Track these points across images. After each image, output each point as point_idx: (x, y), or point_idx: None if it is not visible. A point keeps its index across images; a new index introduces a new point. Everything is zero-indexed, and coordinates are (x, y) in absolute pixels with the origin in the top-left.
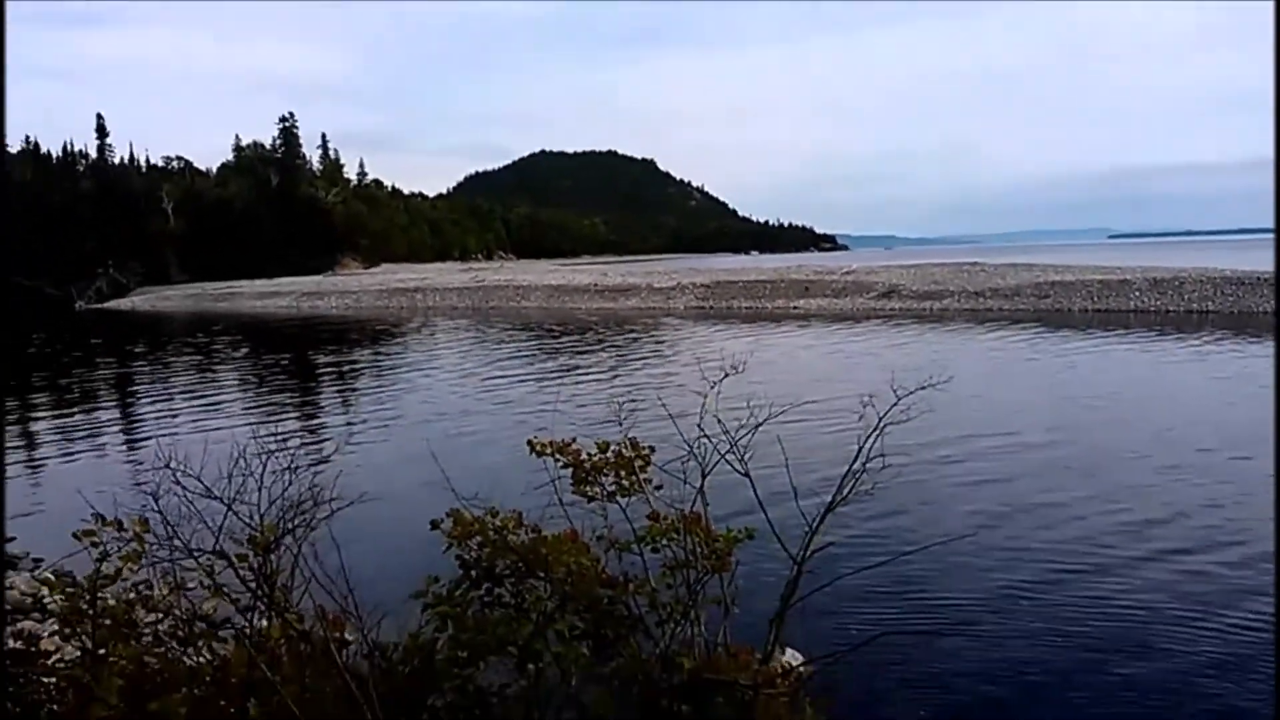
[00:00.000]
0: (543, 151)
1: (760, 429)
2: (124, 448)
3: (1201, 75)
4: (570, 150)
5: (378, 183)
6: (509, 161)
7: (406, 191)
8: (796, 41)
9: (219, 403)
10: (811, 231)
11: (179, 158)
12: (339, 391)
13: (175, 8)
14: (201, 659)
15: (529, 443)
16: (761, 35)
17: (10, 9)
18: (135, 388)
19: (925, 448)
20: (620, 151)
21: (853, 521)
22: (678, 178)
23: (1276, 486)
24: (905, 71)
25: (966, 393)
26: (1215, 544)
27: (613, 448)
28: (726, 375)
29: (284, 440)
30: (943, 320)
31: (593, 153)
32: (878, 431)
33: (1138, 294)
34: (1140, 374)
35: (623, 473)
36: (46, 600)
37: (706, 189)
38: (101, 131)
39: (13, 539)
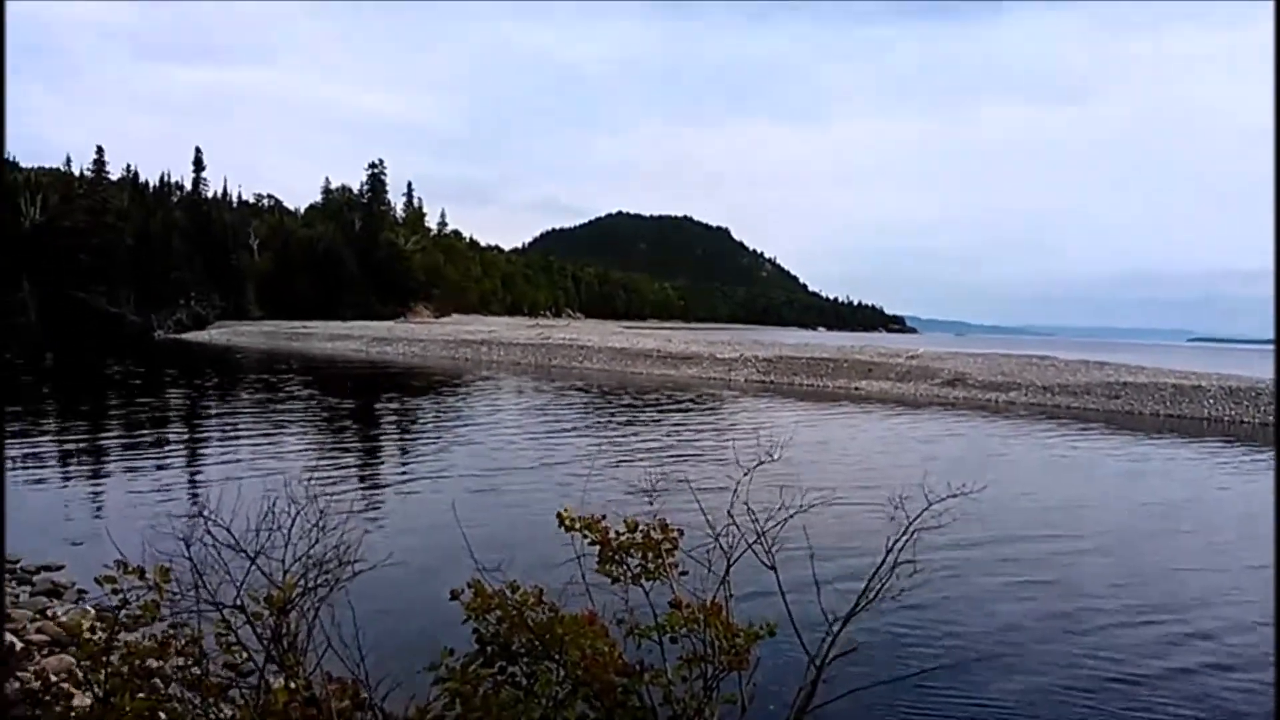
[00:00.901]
0: (620, 212)
1: (791, 519)
2: (168, 486)
3: None
4: (646, 213)
5: (457, 233)
6: (586, 220)
7: (484, 243)
8: (879, 117)
9: (267, 444)
10: (880, 311)
11: (269, 195)
12: (385, 442)
13: (280, 49)
14: (209, 718)
15: (559, 515)
16: (846, 109)
17: (128, 39)
18: (195, 421)
19: (965, 550)
20: (695, 217)
21: (878, 626)
22: (750, 247)
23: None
24: (986, 155)
25: (1017, 492)
26: (1256, 662)
27: (641, 527)
28: (761, 463)
29: (318, 492)
30: (1007, 414)
31: (668, 217)
32: (907, 535)
33: (1212, 402)
34: (1203, 484)
35: (649, 554)
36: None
37: (778, 260)
38: (198, 165)
39: (62, 566)
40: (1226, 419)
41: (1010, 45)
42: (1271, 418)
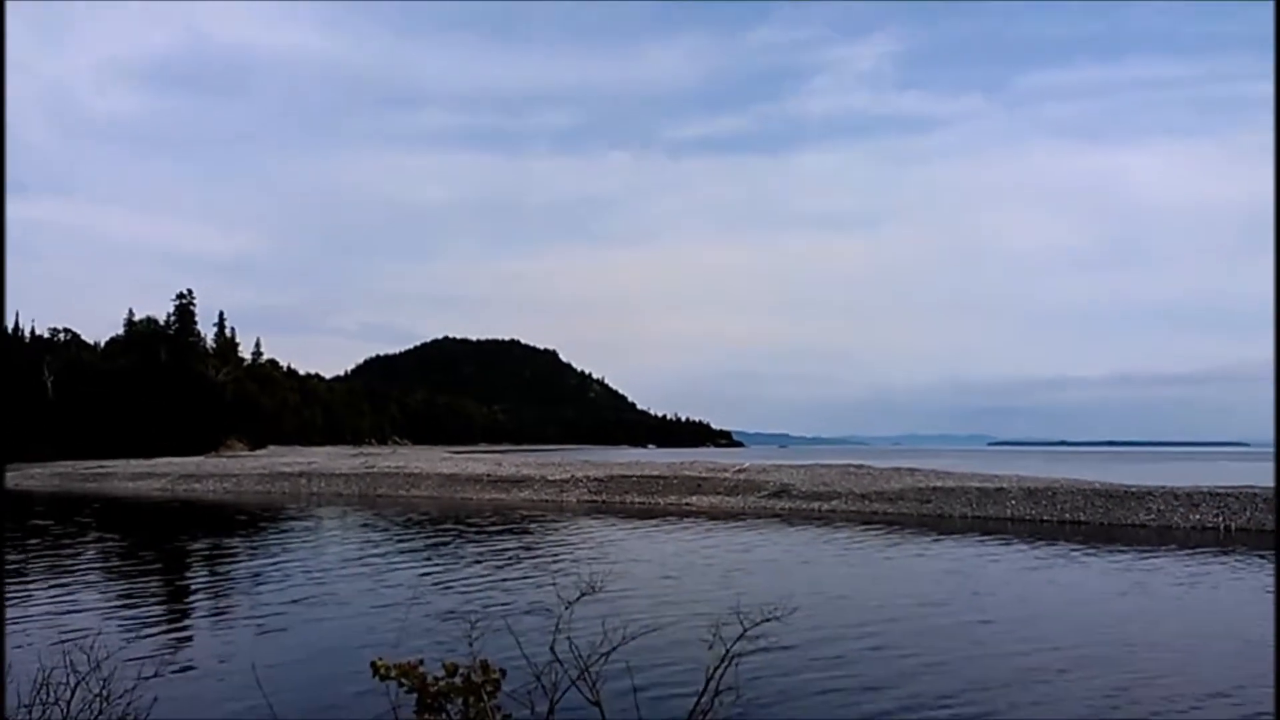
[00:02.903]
0: (446, 337)
1: (615, 651)
2: None
3: (1071, 294)
4: (474, 337)
5: (273, 362)
6: (411, 346)
7: (303, 372)
8: (697, 244)
9: (51, 602)
10: (708, 427)
11: (66, 329)
12: (185, 593)
13: (79, 179)
14: None
15: (372, 664)
16: (665, 236)
17: None
18: None
19: (786, 668)
20: (523, 341)
21: None
22: (579, 369)
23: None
24: (803, 275)
25: (834, 603)
26: None
27: (461, 670)
28: (583, 594)
29: (103, 655)
30: (830, 521)
31: (496, 340)
32: (725, 663)
33: (1014, 503)
34: (1008, 581)
35: (470, 699)
36: None
37: (606, 380)
38: None
39: None
40: (1028, 518)
41: (810, 176)
42: (1068, 515)
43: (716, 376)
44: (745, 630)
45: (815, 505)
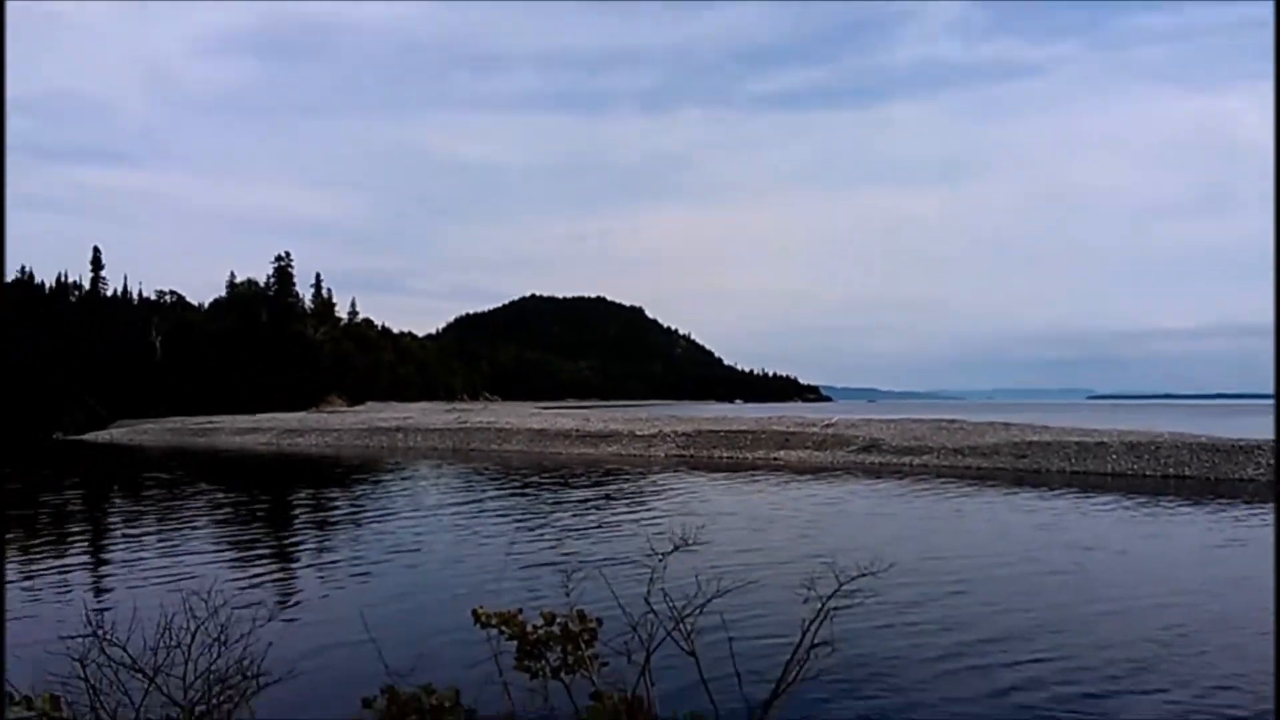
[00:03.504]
0: (533, 295)
1: (710, 604)
2: (63, 600)
3: (1175, 242)
4: (560, 295)
5: (368, 322)
6: (499, 304)
7: (396, 331)
8: (786, 198)
9: (169, 549)
10: (795, 382)
11: (171, 291)
12: (292, 539)
13: (180, 147)
14: None
15: (474, 612)
16: (751, 191)
17: (21, 136)
18: (92, 527)
19: (886, 619)
20: (609, 298)
21: (801, 708)
22: (665, 325)
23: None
24: (890, 226)
25: (931, 555)
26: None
27: (559, 619)
28: (676, 548)
29: (221, 601)
30: (921, 476)
31: (582, 298)
32: (821, 617)
33: (1114, 457)
34: (1109, 536)
35: (568, 647)
36: None
37: (693, 337)
38: (97, 264)
39: None
40: (1129, 473)
41: (896, 128)
42: (1171, 470)
43: (803, 331)
44: (841, 585)
45: (906, 460)
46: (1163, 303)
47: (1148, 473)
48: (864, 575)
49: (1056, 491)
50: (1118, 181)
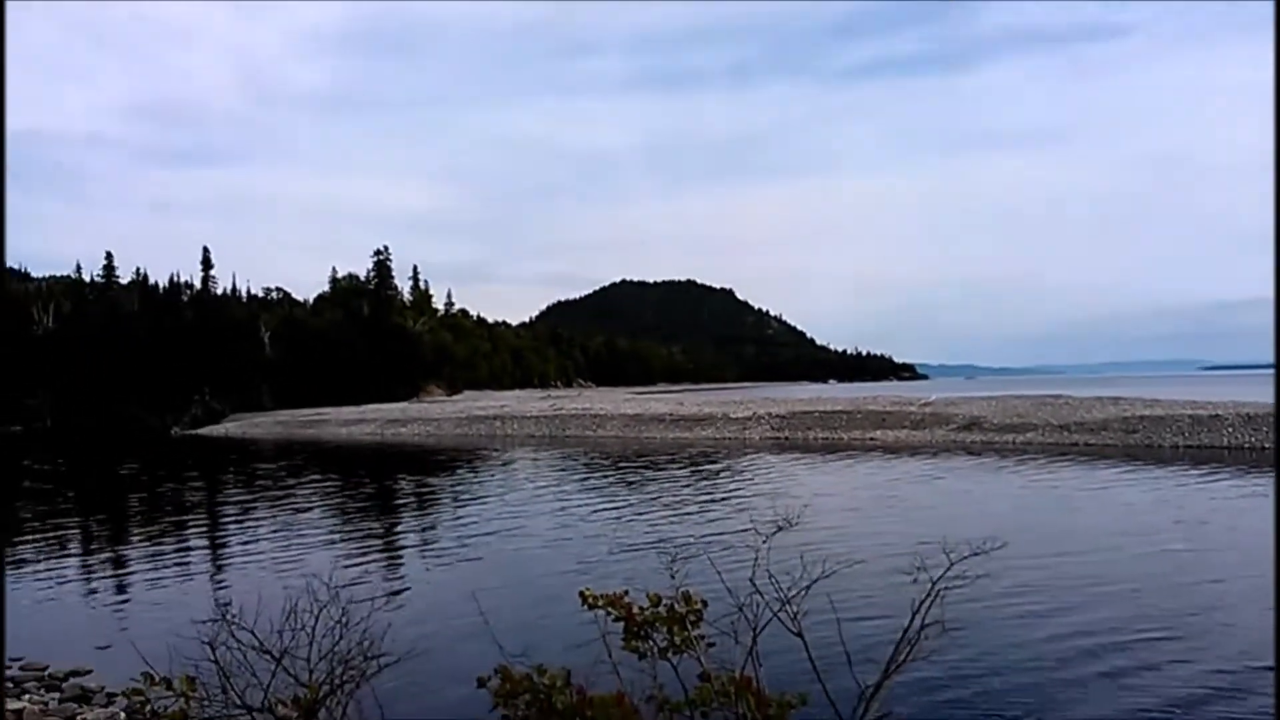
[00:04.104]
0: (624, 281)
1: (815, 585)
2: (190, 584)
3: None
4: (651, 280)
5: (464, 312)
6: (590, 290)
7: (491, 320)
8: (875, 172)
9: (286, 537)
10: (890, 360)
11: (278, 288)
12: (402, 526)
13: (280, 148)
14: None
15: (581, 594)
16: (841, 166)
17: (126, 147)
18: (212, 517)
19: (994, 604)
20: (699, 281)
21: (912, 689)
22: (756, 306)
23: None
24: (985, 199)
25: (1042, 535)
26: None
27: (664, 601)
28: (780, 528)
29: (340, 586)
30: (1025, 454)
31: (672, 282)
32: (932, 596)
33: (1231, 430)
34: (1231, 514)
35: (674, 628)
36: None
37: (784, 318)
38: (206, 264)
39: (89, 670)
40: (1247, 446)
41: (988, 93)
42: None
43: (897, 309)
44: (952, 564)
45: (1009, 438)
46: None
47: (1266, 445)
48: (975, 554)
49: (1171, 467)
50: (1226, 142)
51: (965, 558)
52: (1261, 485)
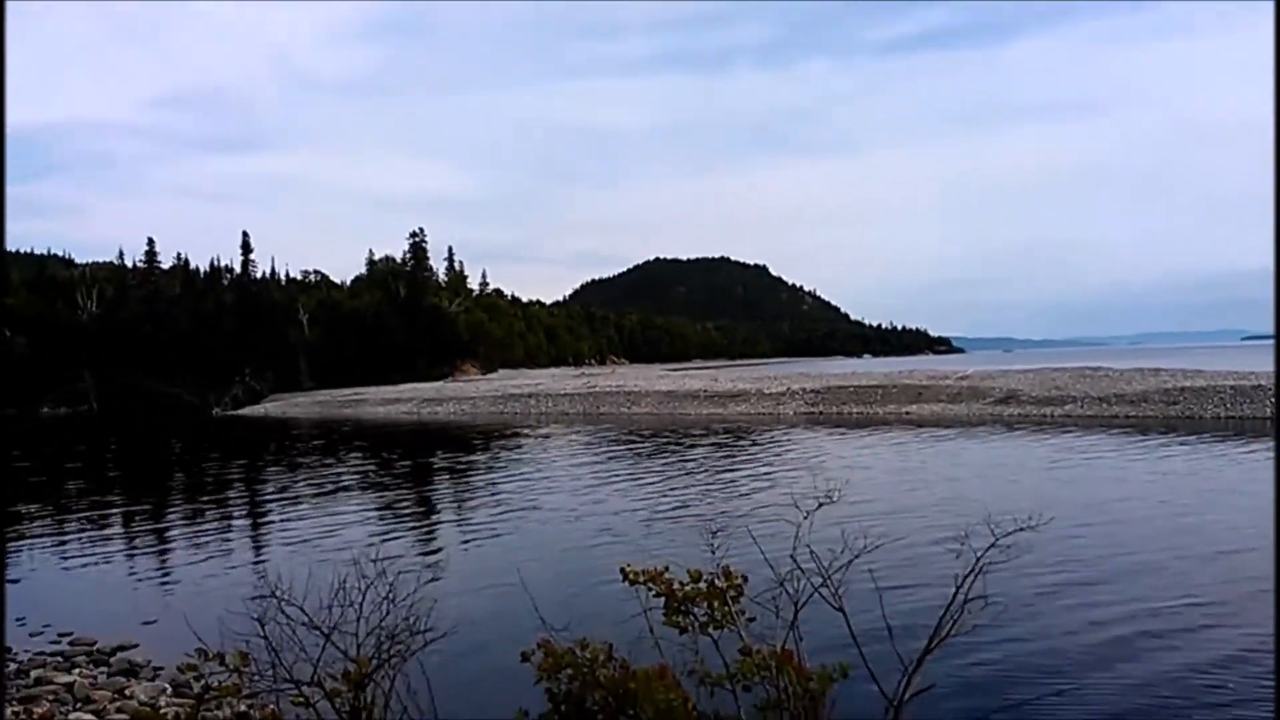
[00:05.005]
0: (657, 259)
1: (856, 560)
2: (235, 559)
3: None
4: (684, 257)
5: (498, 291)
6: (624, 269)
7: (525, 299)
8: (907, 146)
9: (330, 513)
10: (925, 334)
11: (316, 271)
12: (441, 503)
13: (315, 135)
14: None
15: (622, 570)
16: (873, 140)
17: (174, 132)
18: (256, 494)
19: (1038, 580)
20: (733, 257)
21: (953, 663)
22: (790, 282)
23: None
24: (1020, 171)
25: (1085, 510)
26: None
27: (705, 576)
28: (820, 504)
29: (386, 562)
30: (1064, 427)
31: (705, 259)
32: (975, 572)
33: (1274, 401)
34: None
35: (715, 603)
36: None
37: (818, 293)
38: (246, 248)
39: (136, 645)
40: None
41: (1022, 66)
42: None
43: (932, 282)
44: (996, 540)
45: (1047, 411)
46: None
47: None
48: (1020, 530)
49: (1213, 438)
50: (1266, 105)
51: (1010, 533)
52: None
